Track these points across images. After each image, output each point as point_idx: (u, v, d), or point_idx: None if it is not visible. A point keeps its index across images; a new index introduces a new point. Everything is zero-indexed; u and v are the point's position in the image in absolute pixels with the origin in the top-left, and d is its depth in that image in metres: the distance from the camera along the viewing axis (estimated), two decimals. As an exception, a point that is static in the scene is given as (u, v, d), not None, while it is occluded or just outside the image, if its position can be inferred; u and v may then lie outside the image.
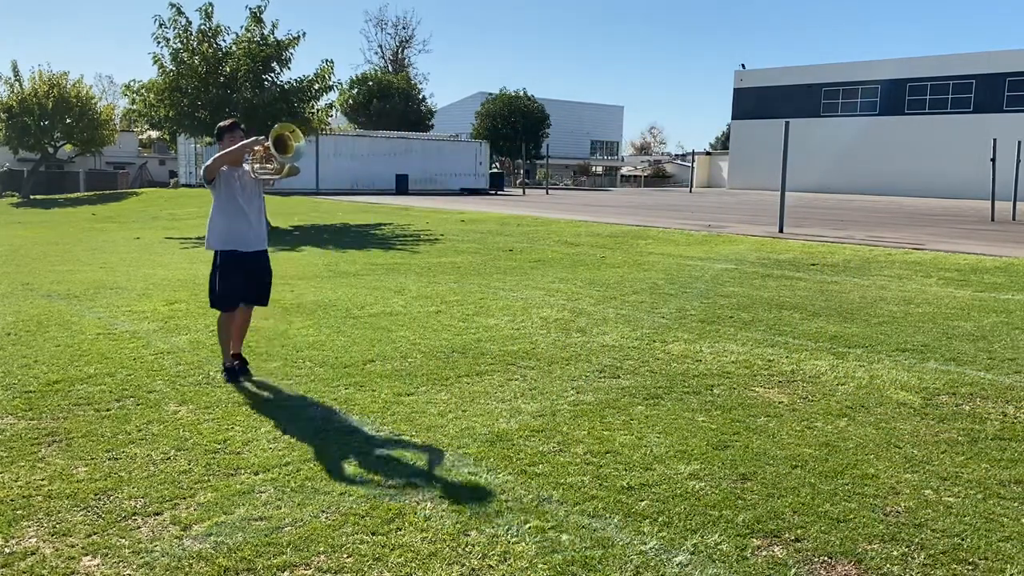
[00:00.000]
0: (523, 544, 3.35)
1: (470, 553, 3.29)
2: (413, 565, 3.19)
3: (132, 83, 19.72)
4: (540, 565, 3.19)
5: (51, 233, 20.29)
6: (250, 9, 19.94)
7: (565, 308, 8.73)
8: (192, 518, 3.56)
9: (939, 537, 3.46)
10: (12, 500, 3.74)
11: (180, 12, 19.14)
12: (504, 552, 3.29)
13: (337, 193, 36.65)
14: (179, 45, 19.37)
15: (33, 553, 3.25)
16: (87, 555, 3.25)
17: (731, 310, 8.68)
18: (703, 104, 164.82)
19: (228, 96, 19.47)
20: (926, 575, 3.18)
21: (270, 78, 20.35)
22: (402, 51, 77.93)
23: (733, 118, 59.74)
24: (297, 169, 5.80)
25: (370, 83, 58.39)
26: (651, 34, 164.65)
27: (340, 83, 22.62)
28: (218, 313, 5.91)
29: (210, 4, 19.37)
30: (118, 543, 3.34)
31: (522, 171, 59.50)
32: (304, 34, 20.40)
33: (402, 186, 39.54)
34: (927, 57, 50.26)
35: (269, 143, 5.48)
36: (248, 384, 5.68)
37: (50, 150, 39.90)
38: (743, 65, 60.41)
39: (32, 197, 39.09)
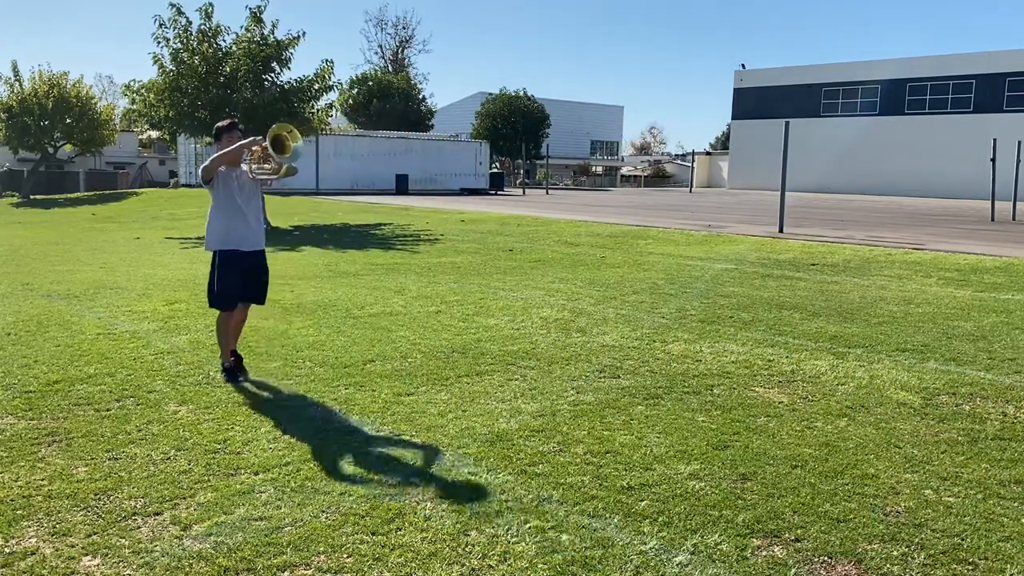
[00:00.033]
0: (523, 544, 3.35)
1: (470, 553, 3.29)
2: (413, 565, 3.19)
3: (132, 83, 19.74)
4: (540, 565, 3.19)
5: (51, 233, 20.29)
6: (250, 9, 19.96)
7: (565, 308, 8.73)
8: (192, 518, 3.56)
9: (939, 537, 3.46)
10: (12, 500, 3.74)
11: (180, 12, 19.15)
12: (504, 552, 3.29)
13: (337, 193, 36.65)
14: (179, 45, 19.39)
15: (33, 553, 3.25)
16: (87, 555, 3.25)
17: (731, 310, 8.68)
18: (703, 104, 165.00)
19: (228, 96, 19.48)
20: (926, 575, 3.18)
21: (270, 78, 20.36)
22: (402, 51, 78.00)
23: (733, 118, 59.75)
24: (295, 169, 5.82)
25: (370, 83, 58.39)
26: (651, 34, 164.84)
27: (340, 83, 22.65)
28: (217, 313, 5.92)
29: (210, 4, 19.39)
30: (118, 543, 3.34)
31: (522, 171, 59.50)
32: (304, 34, 20.44)
33: (402, 186, 39.54)
34: (927, 57, 50.28)
35: (267, 143, 5.49)
36: (248, 384, 5.68)
37: (50, 150, 39.90)
38: (743, 65, 60.47)
39: (32, 197, 39.09)
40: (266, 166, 5.69)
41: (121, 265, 12.62)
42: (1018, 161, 23.29)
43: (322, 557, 3.24)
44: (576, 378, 5.89)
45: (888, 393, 5.59)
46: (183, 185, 41.17)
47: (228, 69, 19.56)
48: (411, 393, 5.48)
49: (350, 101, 56.47)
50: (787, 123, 18.12)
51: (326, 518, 3.57)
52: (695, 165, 62.03)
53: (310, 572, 3.14)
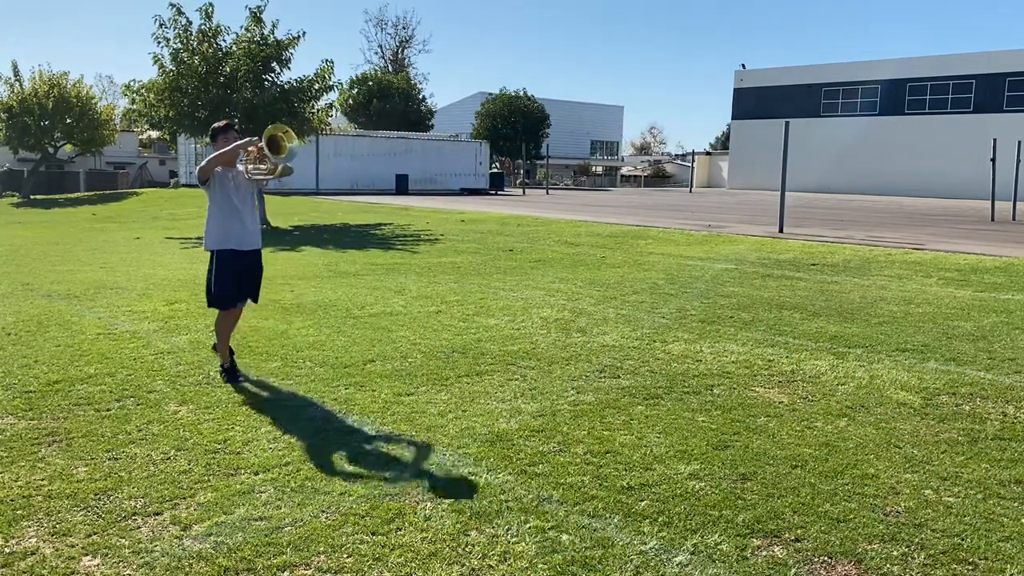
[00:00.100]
0: (523, 544, 3.35)
1: (470, 553, 3.29)
2: (413, 565, 3.19)
3: (132, 83, 19.74)
4: (540, 565, 3.19)
5: (51, 233, 20.29)
6: (250, 9, 19.96)
7: (565, 308, 8.73)
8: (192, 518, 3.56)
9: (939, 537, 3.46)
10: (12, 500, 3.74)
11: (180, 12, 19.16)
12: (504, 552, 3.29)
13: (337, 193, 36.65)
14: (179, 45, 19.39)
15: (33, 553, 3.25)
16: (87, 555, 3.25)
17: (731, 310, 8.68)
18: (703, 104, 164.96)
19: (228, 96, 19.49)
20: (926, 575, 3.18)
21: (270, 78, 20.36)
22: (402, 51, 77.98)
23: (733, 118, 59.75)
24: (290, 169, 5.83)
25: (370, 83, 58.39)
26: (651, 34, 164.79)
27: (340, 83, 22.65)
28: (216, 312, 5.92)
29: (210, 4, 19.38)
30: (118, 543, 3.34)
31: (522, 171, 59.50)
32: (304, 34, 20.44)
33: (402, 186, 39.54)
34: (927, 57, 50.27)
35: (262, 144, 5.50)
36: (248, 384, 5.69)
37: (50, 150, 39.90)
38: (743, 65, 60.47)
39: (32, 197, 39.08)
40: (262, 166, 5.70)
41: (121, 265, 12.62)
42: (1018, 161, 23.29)
43: (322, 557, 3.24)
44: (576, 378, 5.89)
45: (888, 393, 5.59)
46: (183, 185, 41.16)
47: (228, 69, 19.56)
48: (411, 393, 5.48)
49: (350, 101, 56.47)
50: (787, 123, 18.12)
51: (326, 518, 3.57)
52: (695, 165, 62.03)
53: (310, 572, 3.14)
